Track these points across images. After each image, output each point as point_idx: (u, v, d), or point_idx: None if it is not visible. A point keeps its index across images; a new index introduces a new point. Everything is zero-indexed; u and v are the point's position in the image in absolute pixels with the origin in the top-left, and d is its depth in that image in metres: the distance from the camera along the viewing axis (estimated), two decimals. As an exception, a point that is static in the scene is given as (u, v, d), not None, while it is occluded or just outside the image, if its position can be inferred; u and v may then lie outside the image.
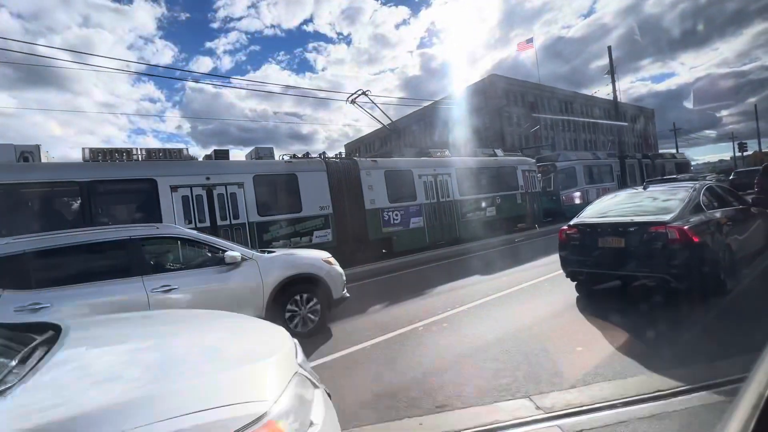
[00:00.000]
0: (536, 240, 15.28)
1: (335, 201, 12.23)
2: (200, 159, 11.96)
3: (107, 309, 4.07)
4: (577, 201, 19.84)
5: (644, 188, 6.75)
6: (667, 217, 5.26)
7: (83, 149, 9.79)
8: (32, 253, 4.05)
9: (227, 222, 10.36)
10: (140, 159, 10.32)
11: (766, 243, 7.15)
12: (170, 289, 4.48)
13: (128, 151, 10.37)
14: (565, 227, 6.37)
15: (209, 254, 5.09)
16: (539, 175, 19.32)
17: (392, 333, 5.58)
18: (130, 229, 4.78)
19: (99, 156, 10.02)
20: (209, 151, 13.54)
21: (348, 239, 12.28)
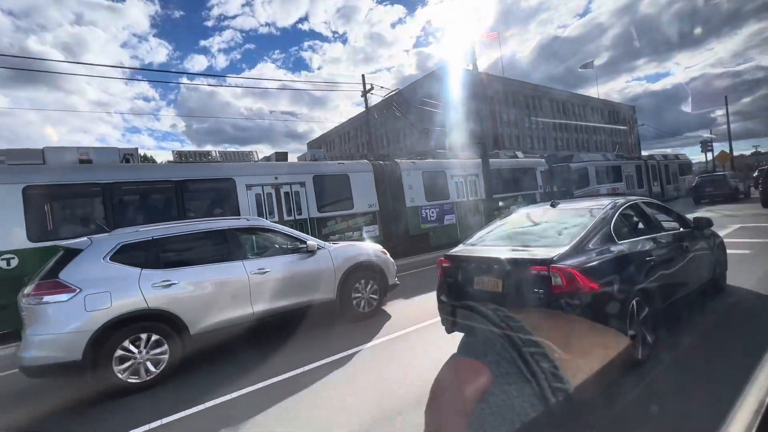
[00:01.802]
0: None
1: (381, 199, 12.17)
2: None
3: (218, 287, 4.15)
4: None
5: (552, 205, 4.46)
6: (553, 253, 3.22)
7: (172, 152, 10.06)
8: (159, 239, 4.20)
9: (292, 217, 10.44)
10: (217, 161, 10.50)
11: (712, 275, 4.80)
12: (265, 272, 4.54)
13: (207, 154, 10.59)
14: (442, 257, 4.17)
15: (290, 243, 5.16)
16: (555, 175, 18.72)
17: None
18: (229, 221, 4.94)
19: (184, 158, 10.28)
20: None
21: (392, 234, 12.19)
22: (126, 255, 3.94)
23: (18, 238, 7.19)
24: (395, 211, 12.54)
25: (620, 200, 4.10)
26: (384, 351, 4.32)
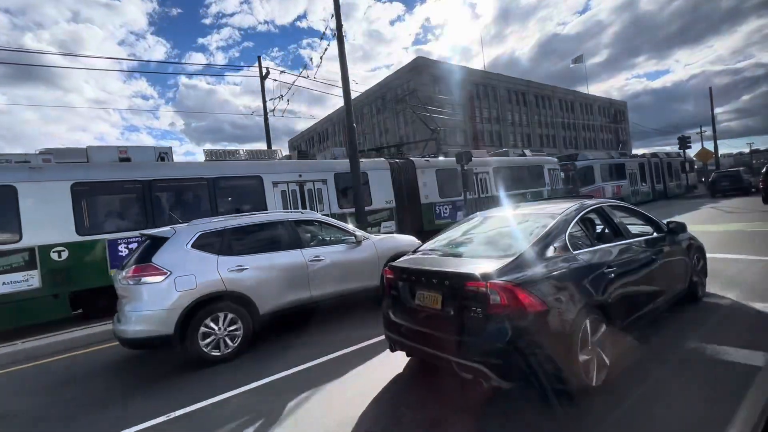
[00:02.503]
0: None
1: (397, 196, 12.59)
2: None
3: (282, 272, 4.61)
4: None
5: (514, 209, 4.20)
6: (493, 267, 2.81)
7: (204, 151, 10.49)
8: (230, 229, 4.65)
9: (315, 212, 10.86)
10: (245, 159, 10.92)
11: (688, 284, 4.38)
12: (320, 259, 5.01)
13: (235, 152, 11.02)
14: (386, 268, 3.75)
15: (339, 234, 5.62)
16: (562, 173, 19.15)
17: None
18: (287, 213, 5.44)
19: (214, 157, 10.70)
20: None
21: (407, 230, 12.60)
22: (204, 243, 4.38)
23: (67, 231, 7.62)
24: (411, 208, 12.97)
25: (583, 203, 3.71)
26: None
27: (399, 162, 13.40)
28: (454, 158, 15.67)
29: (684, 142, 26.31)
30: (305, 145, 69.55)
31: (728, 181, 21.15)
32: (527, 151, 18.62)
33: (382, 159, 13.22)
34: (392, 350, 3.55)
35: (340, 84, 10.85)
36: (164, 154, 9.65)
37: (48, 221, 7.47)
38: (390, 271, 3.60)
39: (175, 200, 9.41)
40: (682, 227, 4.44)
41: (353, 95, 11.50)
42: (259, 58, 18.99)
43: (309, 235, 5.28)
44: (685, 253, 4.43)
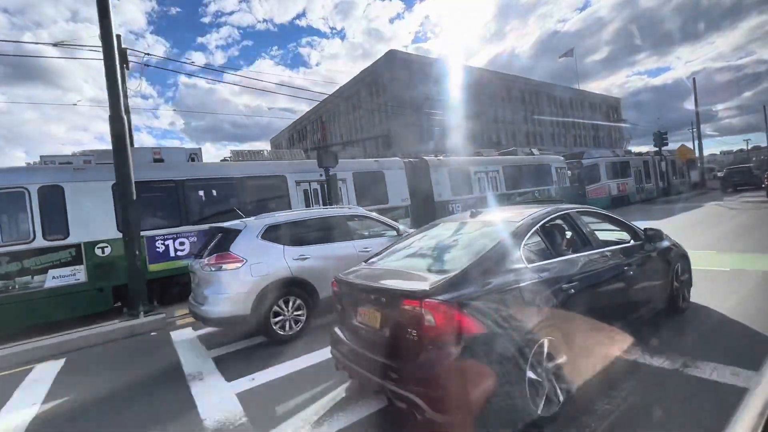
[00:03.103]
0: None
1: (412, 194, 13.07)
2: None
3: (337, 261, 5.11)
4: (602, 194, 20.14)
5: (471, 215, 3.81)
6: (430, 283, 2.53)
7: (231, 151, 10.95)
8: (292, 222, 5.17)
9: (337, 209, 11.34)
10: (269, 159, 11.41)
11: (669, 296, 4.11)
12: (369, 250, 5.48)
13: (260, 152, 11.50)
14: (334, 279, 3.45)
15: (382, 228, 6.10)
16: (569, 171, 19.70)
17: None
18: (338, 209, 5.96)
19: (241, 157, 11.18)
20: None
21: (422, 227, 13.10)
22: (271, 234, 4.89)
23: (110, 228, 8.08)
24: (425, 206, 13.45)
25: (547, 211, 3.42)
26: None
27: (413, 161, 13.90)
28: (465, 158, 16.27)
29: (660, 139, 24.70)
30: (286, 144, 68.36)
31: (740, 176, 23.02)
32: (535, 150, 19.17)
33: (398, 158, 13.72)
34: (337, 369, 3.25)
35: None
36: (194, 155, 10.13)
37: (92, 219, 7.92)
38: (336, 283, 3.33)
39: (206, 198, 9.88)
40: (658, 234, 4.10)
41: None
42: (119, 36, 12.55)
43: (357, 228, 5.77)
44: (665, 262, 4.11)
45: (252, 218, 5.18)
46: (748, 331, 3.78)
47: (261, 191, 10.73)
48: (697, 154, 28.82)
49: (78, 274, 7.67)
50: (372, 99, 47.07)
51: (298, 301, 4.80)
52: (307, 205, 10.94)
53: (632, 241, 3.98)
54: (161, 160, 9.41)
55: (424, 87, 45.54)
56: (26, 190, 7.40)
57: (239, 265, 4.42)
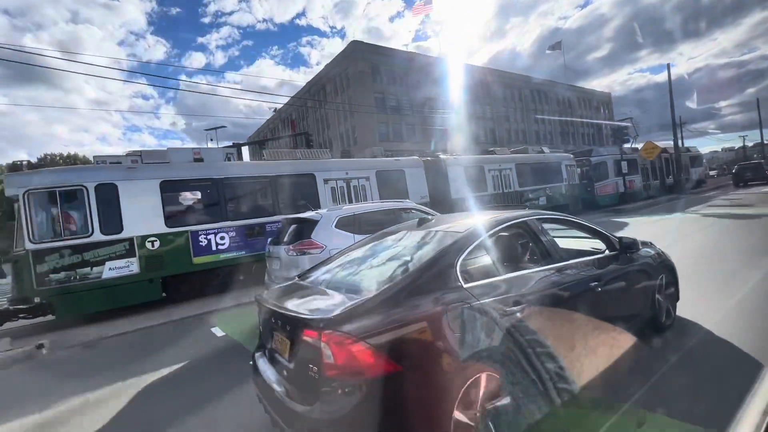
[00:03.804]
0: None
1: (430, 191, 13.72)
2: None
3: None
4: (610, 191, 20.85)
5: (418, 224, 3.46)
6: (332, 311, 2.13)
7: (265, 152, 11.57)
8: (359, 214, 5.83)
9: (362, 206, 11.98)
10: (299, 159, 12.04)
11: (653, 313, 3.71)
12: (422, 238, 6.17)
13: (291, 152, 12.14)
14: (256, 297, 3.02)
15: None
16: (578, 169, 20.41)
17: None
18: (395, 202, 6.76)
19: (273, 156, 11.81)
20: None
21: (441, 224, 13.75)
22: (342, 224, 5.53)
23: (158, 223, 8.68)
24: (443, 203, 14.07)
25: (497, 218, 3.00)
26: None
27: (431, 159, 14.56)
28: (480, 156, 16.92)
29: (621, 136, 22.91)
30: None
31: (751, 172, 25.28)
32: (545, 149, 19.87)
33: (416, 157, 14.36)
34: (260, 401, 2.67)
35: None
36: (230, 155, 10.73)
37: (142, 215, 8.52)
38: (257, 302, 2.89)
39: (242, 195, 10.47)
40: (633, 244, 3.54)
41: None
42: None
43: (407, 219, 6.41)
44: (645, 275, 3.64)
45: (324, 210, 5.82)
46: (735, 354, 3.27)
47: (293, 188, 11.33)
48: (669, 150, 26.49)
49: (132, 266, 8.27)
50: (336, 94, 44.70)
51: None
52: (334, 203, 11.57)
53: (607, 252, 3.49)
54: (201, 160, 10.00)
55: (390, 80, 43.53)
56: (85, 188, 7.99)
57: (320, 250, 5.05)
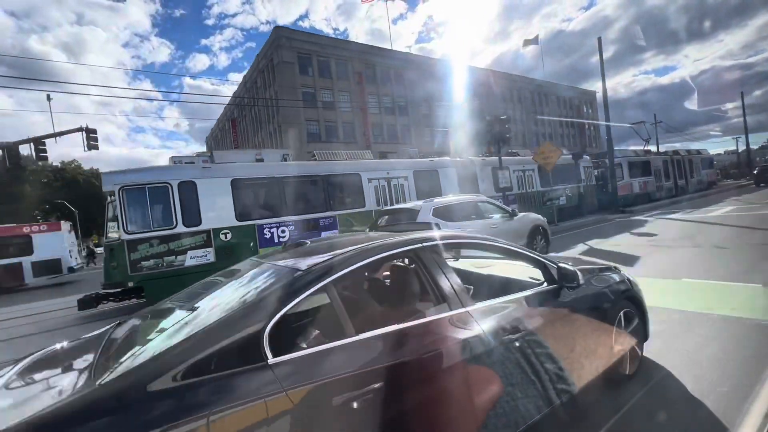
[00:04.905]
0: (603, 225, 17.50)
1: (461, 190, 14.69)
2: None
3: (481, 232, 6.72)
4: (625, 192, 21.86)
5: (284, 249, 2.75)
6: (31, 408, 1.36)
7: (313, 153, 12.54)
8: (448, 205, 6.94)
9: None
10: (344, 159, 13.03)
11: (606, 365, 2.71)
12: (496, 225, 7.18)
13: (337, 153, 13.14)
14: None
15: (499, 210, 7.81)
16: (595, 170, 21.46)
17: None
18: (471, 195, 7.96)
19: (321, 157, 12.80)
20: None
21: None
22: (438, 213, 6.58)
23: (230, 218, 9.61)
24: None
25: (372, 246, 2.20)
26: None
27: (461, 160, 15.57)
28: (505, 157, 17.93)
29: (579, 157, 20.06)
30: (216, 144, 62.82)
31: None
32: (564, 150, 20.91)
33: (448, 158, 15.36)
34: None
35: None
36: (286, 156, 11.69)
37: (217, 209, 9.45)
38: None
39: (298, 192, 11.36)
40: (573, 276, 2.69)
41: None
42: None
43: (483, 210, 7.51)
44: (598, 312, 2.80)
45: (421, 202, 6.91)
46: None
47: (341, 186, 12.29)
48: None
49: (209, 255, 9.18)
50: (265, 89, 40.29)
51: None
52: (377, 200, 12.52)
53: (545, 285, 2.68)
54: (261, 160, 10.95)
55: (323, 72, 39.18)
56: (169, 185, 8.92)
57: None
